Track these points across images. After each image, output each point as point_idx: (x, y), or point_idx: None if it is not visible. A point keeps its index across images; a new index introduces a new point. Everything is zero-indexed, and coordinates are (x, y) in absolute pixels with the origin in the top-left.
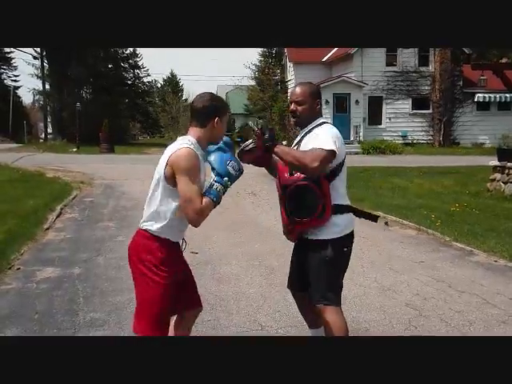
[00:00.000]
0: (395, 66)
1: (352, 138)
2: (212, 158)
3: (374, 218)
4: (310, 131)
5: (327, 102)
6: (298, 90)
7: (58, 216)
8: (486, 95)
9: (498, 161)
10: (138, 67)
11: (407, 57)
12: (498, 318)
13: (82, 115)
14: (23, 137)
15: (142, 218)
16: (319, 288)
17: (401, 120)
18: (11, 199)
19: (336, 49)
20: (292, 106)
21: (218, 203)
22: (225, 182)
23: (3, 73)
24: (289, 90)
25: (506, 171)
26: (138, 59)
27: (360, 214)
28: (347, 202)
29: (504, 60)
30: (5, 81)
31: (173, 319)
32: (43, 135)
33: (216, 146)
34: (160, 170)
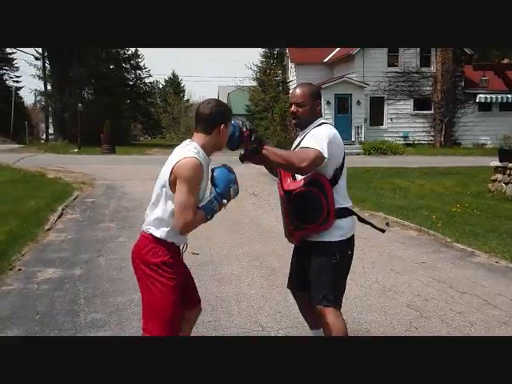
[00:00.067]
0: (397, 66)
1: (353, 139)
2: (217, 174)
3: (382, 231)
4: (309, 132)
5: (329, 102)
6: (298, 91)
7: (59, 217)
8: (488, 96)
9: (500, 161)
10: (140, 68)
11: (409, 57)
12: (499, 319)
13: (84, 116)
14: (25, 137)
15: (143, 219)
16: (320, 289)
17: (402, 121)
18: (12, 200)
19: (337, 49)
20: (292, 108)
21: (209, 219)
22: (223, 202)
23: (5, 74)
24: (290, 91)
25: (508, 172)
26: (139, 60)
27: (366, 223)
28: (349, 203)
29: (506, 61)
30: (7, 81)
31: None
32: (44, 136)
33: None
34: (165, 176)
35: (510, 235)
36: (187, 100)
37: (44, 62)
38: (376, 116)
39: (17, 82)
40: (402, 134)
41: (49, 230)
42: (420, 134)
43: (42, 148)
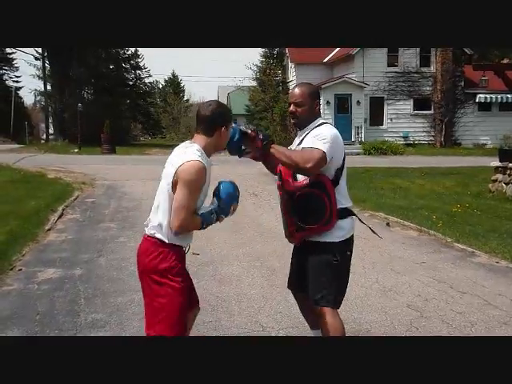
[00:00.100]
0: (396, 66)
1: (353, 139)
2: (223, 189)
3: (378, 235)
4: (309, 132)
5: (328, 102)
6: (297, 91)
7: (59, 217)
8: (488, 96)
9: (500, 161)
10: (140, 68)
11: (408, 57)
12: (500, 319)
13: (84, 116)
14: (25, 137)
15: (144, 219)
16: (319, 289)
17: (402, 121)
18: (13, 200)
19: (337, 49)
20: (291, 108)
21: (204, 228)
22: (221, 217)
23: (5, 74)
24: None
25: (508, 172)
26: (139, 60)
27: (365, 225)
28: (350, 203)
29: (505, 61)
30: (6, 82)
31: None
32: (45, 136)
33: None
34: (168, 179)
35: (511, 235)
36: (187, 100)
37: (44, 62)
38: (376, 116)
39: (17, 81)
40: (402, 134)
41: (49, 230)
42: (420, 134)
43: (42, 148)
